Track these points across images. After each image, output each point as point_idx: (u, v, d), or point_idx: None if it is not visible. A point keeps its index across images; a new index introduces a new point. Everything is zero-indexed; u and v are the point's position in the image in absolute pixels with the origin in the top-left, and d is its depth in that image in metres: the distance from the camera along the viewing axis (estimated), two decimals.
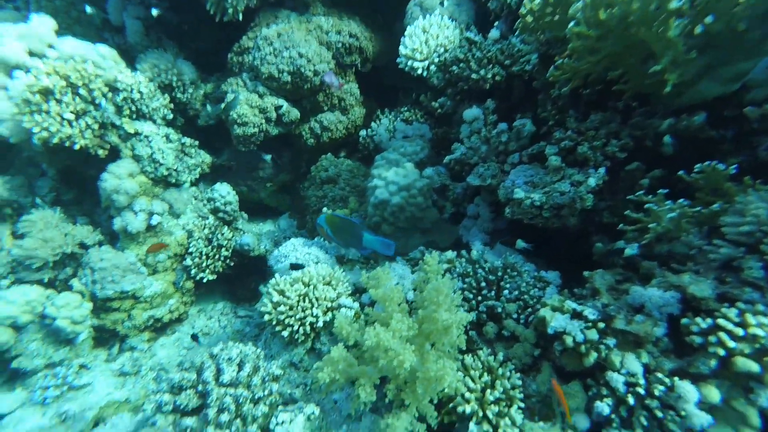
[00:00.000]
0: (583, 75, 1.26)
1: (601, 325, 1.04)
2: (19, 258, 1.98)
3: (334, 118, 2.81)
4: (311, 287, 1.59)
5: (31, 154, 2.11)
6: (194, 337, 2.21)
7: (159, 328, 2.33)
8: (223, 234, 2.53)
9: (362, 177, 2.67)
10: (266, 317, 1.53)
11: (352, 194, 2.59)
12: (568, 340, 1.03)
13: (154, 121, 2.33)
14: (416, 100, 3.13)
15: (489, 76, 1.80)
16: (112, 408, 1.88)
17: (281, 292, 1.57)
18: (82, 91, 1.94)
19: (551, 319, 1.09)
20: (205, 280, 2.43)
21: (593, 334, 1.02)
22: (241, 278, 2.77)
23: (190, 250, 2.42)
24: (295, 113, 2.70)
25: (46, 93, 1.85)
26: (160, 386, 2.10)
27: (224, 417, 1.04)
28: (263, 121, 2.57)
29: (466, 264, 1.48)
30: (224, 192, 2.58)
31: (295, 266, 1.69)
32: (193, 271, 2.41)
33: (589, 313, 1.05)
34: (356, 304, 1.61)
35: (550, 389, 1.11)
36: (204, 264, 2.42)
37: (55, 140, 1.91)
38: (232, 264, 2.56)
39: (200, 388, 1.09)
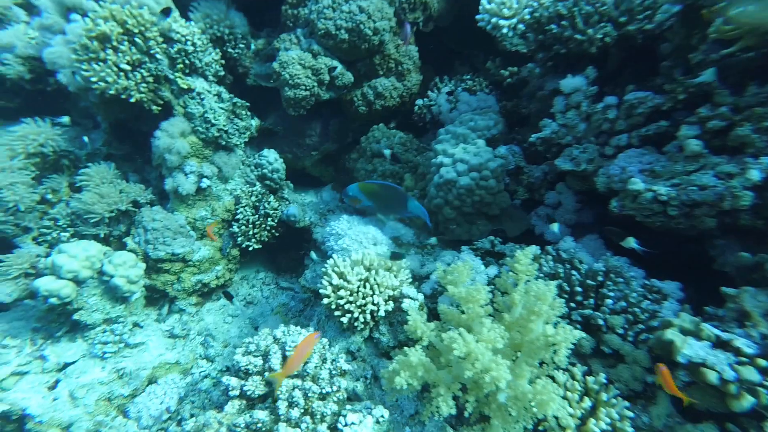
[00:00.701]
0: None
1: (763, 362, 0.84)
2: (78, 211, 1.98)
3: (388, 84, 2.56)
4: (372, 272, 1.47)
5: (87, 104, 2.04)
6: (227, 295, 2.15)
7: (206, 293, 2.33)
8: (269, 203, 2.44)
9: (415, 151, 2.46)
10: (325, 300, 1.42)
11: (403, 170, 2.39)
12: (711, 376, 0.85)
13: (206, 78, 2.20)
14: (476, 67, 2.81)
15: (599, 36, 1.48)
16: (163, 369, 1.92)
17: (341, 275, 1.45)
18: (138, 40, 1.81)
19: (683, 345, 0.90)
20: (251, 249, 2.38)
21: (752, 374, 0.82)
22: (283, 249, 2.72)
23: (237, 217, 2.36)
24: (348, 77, 2.48)
25: (104, 40, 1.73)
26: (207, 352, 2.13)
27: (294, 413, 0.95)
28: (315, 83, 2.37)
29: (554, 263, 1.29)
30: (272, 159, 2.46)
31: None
32: (239, 239, 2.35)
33: (744, 344, 0.85)
34: (420, 296, 1.47)
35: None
36: (251, 232, 2.36)
37: (112, 91, 1.82)
38: (277, 234, 2.49)
39: (267, 375, 1.01)
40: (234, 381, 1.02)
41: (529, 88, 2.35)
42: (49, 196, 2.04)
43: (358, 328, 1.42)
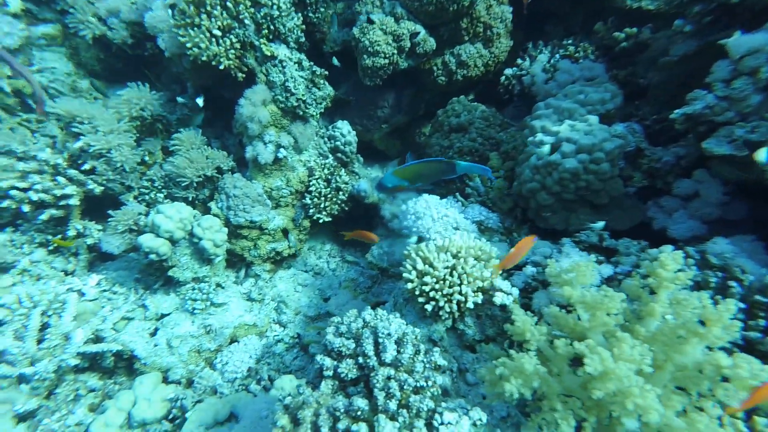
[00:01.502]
0: None
1: None
2: (171, 174, 2.10)
3: (473, 52, 2.31)
4: (461, 260, 1.35)
5: (179, 70, 2.10)
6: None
7: (278, 260, 2.41)
8: (341, 176, 2.40)
9: (498, 127, 2.22)
10: (408, 285, 1.35)
11: (483, 147, 2.18)
12: None
13: (288, 44, 2.14)
14: (571, 30, 2.41)
15: None
16: (242, 329, 2.04)
17: (427, 261, 1.36)
18: (229, 4, 1.78)
19: None
20: (321, 221, 2.39)
21: None
22: (350, 223, 2.71)
23: (310, 189, 2.36)
24: (431, 43, 2.26)
25: (199, 4, 1.72)
26: (280, 317, 2.23)
27: (392, 405, 0.91)
28: (395, 51, 2.20)
29: (702, 270, 1.06)
30: (345, 131, 2.39)
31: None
32: (311, 211, 2.37)
33: None
34: (515, 290, 1.34)
35: None
36: (322, 205, 2.36)
37: (204, 58, 1.83)
38: (346, 209, 2.47)
39: (361, 360, 0.98)
40: (328, 361, 1.00)
41: (649, 54, 1.96)
42: (147, 158, 2.19)
43: (443, 318, 1.33)
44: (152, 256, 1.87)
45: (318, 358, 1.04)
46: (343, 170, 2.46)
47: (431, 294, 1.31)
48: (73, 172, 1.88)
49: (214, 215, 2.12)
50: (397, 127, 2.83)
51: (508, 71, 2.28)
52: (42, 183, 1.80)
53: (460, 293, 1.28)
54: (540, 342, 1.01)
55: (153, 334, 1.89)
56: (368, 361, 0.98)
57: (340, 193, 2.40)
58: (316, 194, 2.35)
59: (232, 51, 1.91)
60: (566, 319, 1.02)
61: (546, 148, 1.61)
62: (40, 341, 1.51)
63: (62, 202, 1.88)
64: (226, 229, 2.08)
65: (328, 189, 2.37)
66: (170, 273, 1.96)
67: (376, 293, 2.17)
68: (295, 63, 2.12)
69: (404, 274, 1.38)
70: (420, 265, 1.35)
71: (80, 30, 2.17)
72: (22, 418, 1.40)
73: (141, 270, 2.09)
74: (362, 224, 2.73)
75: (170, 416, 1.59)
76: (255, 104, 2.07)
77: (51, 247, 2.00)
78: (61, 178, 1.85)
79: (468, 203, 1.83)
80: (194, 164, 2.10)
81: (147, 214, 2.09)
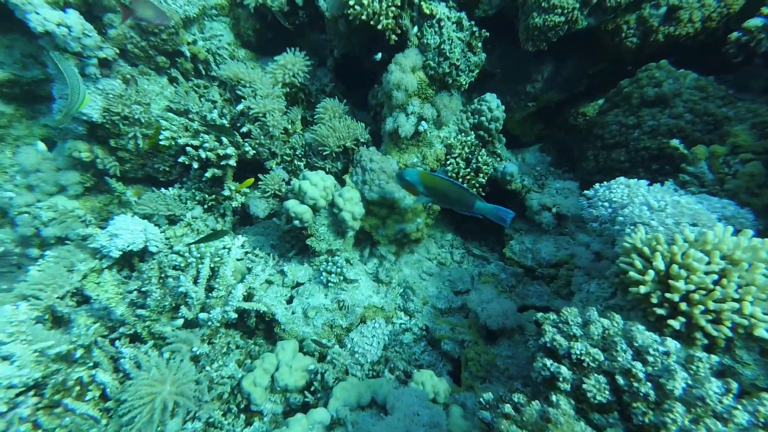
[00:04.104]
0: None
1: None
2: (312, 143, 2.06)
3: (693, 0, 1.78)
4: (739, 265, 0.95)
5: (327, 36, 2.04)
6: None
7: (403, 243, 2.24)
8: (482, 156, 2.11)
9: (719, 101, 1.67)
10: (638, 289, 1.00)
11: (693, 127, 1.66)
12: None
13: (447, 2, 1.91)
14: None
15: None
16: (371, 310, 1.91)
17: (675, 259, 0.99)
18: None
19: None
20: None
21: None
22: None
23: (446, 168, 2.13)
24: None
25: None
26: (407, 305, 2.07)
27: None
28: (578, 5, 1.80)
29: None
30: (494, 105, 2.08)
31: None
32: None
33: None
34: None
35: None
36: None
37: (363, 17, 1.71)
38: (483, 193, 2.18)
39: (622, 381, 0.69)
40: (565, 371, 0.74)
41: None
42: (289, 127, 2.19)
43: (697, 341, 0.95)
44: (296, 222, 1.84)
45: (542, 362, 0.78)
46: (483, 150, 2.17)
47: (682, 307, 0.94)
48: (235, 133, 1.95)
49: (350, 188, 2.03)
50: (545, 106, 2.42)
51: (753, 22, 1.67)
52: (210, 142, 1.89)
53: (739, 312, 0.89)
54: None
55: (289, 301, 1.87)
56: (638, 386, 0.69)
57: (480, 175, 2.11)
58: (453, 174, 2.11)
59: (392, 9, 1.75)
60: None
61: None
62: (209, 290, 1.55)
63: (223, 162, 1.96)
64: (362, 203, 1.97)
65: (467, 170, 2.10)
66: (308, 242, 1.92)
67: (521, 294, 1.84)
68: (453, 23, 1.88)
69: (630, 274, 1.04)
70: (660, 263, 0.99)
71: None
72: (195, 358, 1.45)
73: (278, 237, 2.11)
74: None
75: (312, 388, 1.51)
76: (404, 70, 1.90)
77: (206, 205, 2.13)
78: (225, 138, 1.92)
79: (685, 193, 1.38)
80: (336, 133, 2.03)
81: (288, 182, 2.09)
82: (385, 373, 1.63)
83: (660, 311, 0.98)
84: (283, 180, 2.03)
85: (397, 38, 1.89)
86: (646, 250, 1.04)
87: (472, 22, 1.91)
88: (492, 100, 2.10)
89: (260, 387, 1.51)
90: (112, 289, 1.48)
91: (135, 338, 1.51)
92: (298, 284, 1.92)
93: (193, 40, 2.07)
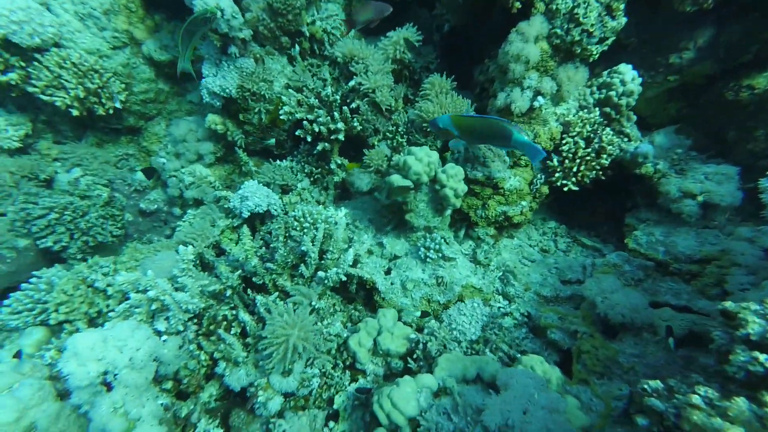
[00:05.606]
0: None
1: None
2: (415, 119, 2.05)
3: None
4: None
5: (437, 11, 1.98)
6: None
7: (503, 227, 2.13)
8: (606, 136, 1.87)
9: None
10: None
11: None
12: None
13: None
14: None
15: None
16: (468, 290, 1.87)
17: None
18: None
19: None
20: (566, 189, 1.95)
21: None
22: (591, 199, 2.17)
23: (561, 148, 1.94)
24: None
25: None
26: (506, 289, 1.98)
27: None
28: None
29: None
30: (629, 77, 1.82)
31: None
32: (556, 175, 1.96)
33: None
34: None
35: None
36: (574, 169, 1.91)
37: None
38: (603, 177, 1.94)
39: None
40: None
41: None
42: (392, 104, 2.21)
43: None
44: (398, 198, 1.86)
45: (746, 356, 0.65)
46: (608, 129, 1.92)
47: None
48: (345, 109, 2.04)
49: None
50: (691, 80, 2.04)
51: None
52: (323, 117, 2.01)
53: None
54: None
55: (387, 272, 1.92)
56: None
57: (602, 156, 1.88)
58: (569, 155, 1.92)
59: None
60: None
61: None
62: (321, 253, 1.68)
63: (333, 137, 2.07)
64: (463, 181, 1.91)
65: (588, 150, 1.89)
66: (407, 217, 1.94)
67: (650, 290, 1.61)
68: None
69: None
70: None
71: None
72: (314, 311, 1.59)
73: (376, 211, 2.17)
74: (614, 200, 2.15)
75: (414, 356, 1.54)
76: (527, 39, 1.75)
77: (313, 178, 2.28)
78: (336, 113, 2.02)
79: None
80: (442, 109, 1.98)
81: (390, 159, 2.13)
82: (487, 353, 1.59)
83: None
84: (386, 156, 2.07)
85: (520, 5, 1.75)
86: None
87: None
88: (627, 71, 1.83)
89: (364, 348, 1.59)
90: (249, 243, 1.70)
91: (261, 289, 1.70)
92: (395, 257, 1.96)
93: (312, 21, 2.19)
